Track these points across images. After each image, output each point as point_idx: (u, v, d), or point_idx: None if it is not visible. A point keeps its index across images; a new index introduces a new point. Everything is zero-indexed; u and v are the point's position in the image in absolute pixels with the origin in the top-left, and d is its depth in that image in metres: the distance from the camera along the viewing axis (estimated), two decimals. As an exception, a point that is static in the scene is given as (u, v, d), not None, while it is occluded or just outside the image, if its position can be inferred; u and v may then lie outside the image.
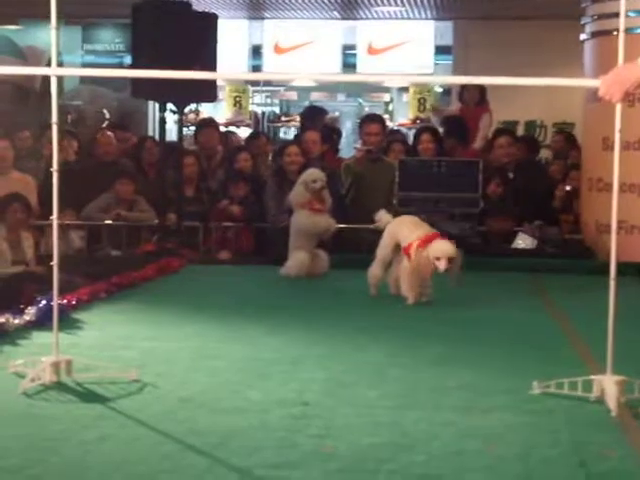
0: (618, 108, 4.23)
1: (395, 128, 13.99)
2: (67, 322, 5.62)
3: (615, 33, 4.31)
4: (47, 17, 4.37)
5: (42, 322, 5.47)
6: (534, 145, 11.29)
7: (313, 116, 11.64)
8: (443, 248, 6.53)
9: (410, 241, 6.66)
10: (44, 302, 5.59)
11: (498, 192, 9.36)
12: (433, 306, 6.60)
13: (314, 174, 7.83)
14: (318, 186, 7.72)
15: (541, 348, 5.31)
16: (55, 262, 4.43)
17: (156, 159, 9.88)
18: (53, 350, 4.43)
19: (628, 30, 4.34)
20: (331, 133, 11.01)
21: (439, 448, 3.51)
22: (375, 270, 6.93)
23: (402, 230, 6.78)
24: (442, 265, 6.48)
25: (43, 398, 4.18)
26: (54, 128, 4.53)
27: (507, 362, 4.95)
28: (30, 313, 5.65)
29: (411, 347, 5.31)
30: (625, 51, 4.12)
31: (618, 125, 4.24)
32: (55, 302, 4.52)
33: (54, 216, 4.46)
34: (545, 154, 12.23)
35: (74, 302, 6.23)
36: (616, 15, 4.42)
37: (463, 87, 11.17)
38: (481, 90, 10.92)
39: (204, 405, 4.06)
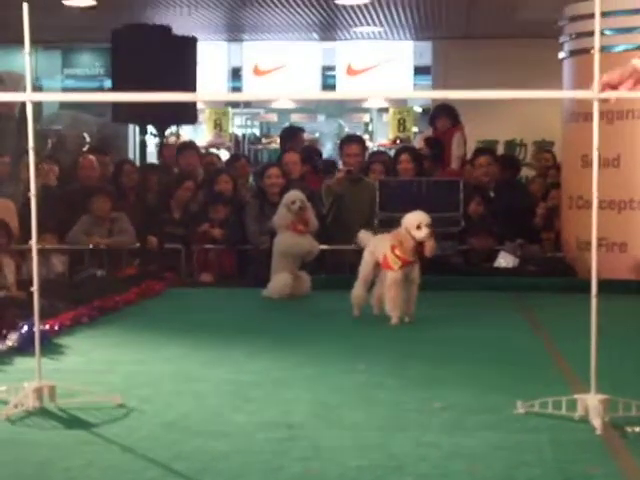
0: (595, 126, 4.25)
1: (381, 149, 14.03)
2: (50, 347, 5.61)
3: (593, 52, 4.30)
4: (24, 42, 4.36)
5: (24, 348, 5.43)
6: (515, 164, 11.35)
7: (291, 136, 11.66)
8: (418, 216, 6.58)
9: (384, 252, 6.67)
10: (26, 327, 5.57)
11: (479, 211, 9.38)
12: (416, 326, 6.60)
13: (293, 196, 7.84)
14: (296, 207, 7.72)
15: (524, 367, 5.31)
16: (35, 287, 4.40)
17: (135, 182, 9.85)
18: (36, 376, 4.41)
19: (605, 48, 4.35)
20: (311, 154, 11.04)
21: (426, 469, 3.50)
22: (358, 290, 6.92)
23: (380, 247, 6.78)
24: (424, 232, 6.50)
25: (27, 424, 4.15)
26: (31, 153, 4.50)
27: (491, 381, 4.95)
28: (12, 339, 5.63)
29: (396, 367, 5.30)
30: (601, 70, 4.13)
31: (596, 143, 4.25)
32: (37, 327, 4.50)
33: (33, 241, 4.45)
34: (525, 172, 12.28)
35: (56, 327, 6.21)
36: (593, 34, 4.42)
37: (434, 115, 11.23)
38: (452, 116, 10.96)
39: (189, 429, 4.05)
